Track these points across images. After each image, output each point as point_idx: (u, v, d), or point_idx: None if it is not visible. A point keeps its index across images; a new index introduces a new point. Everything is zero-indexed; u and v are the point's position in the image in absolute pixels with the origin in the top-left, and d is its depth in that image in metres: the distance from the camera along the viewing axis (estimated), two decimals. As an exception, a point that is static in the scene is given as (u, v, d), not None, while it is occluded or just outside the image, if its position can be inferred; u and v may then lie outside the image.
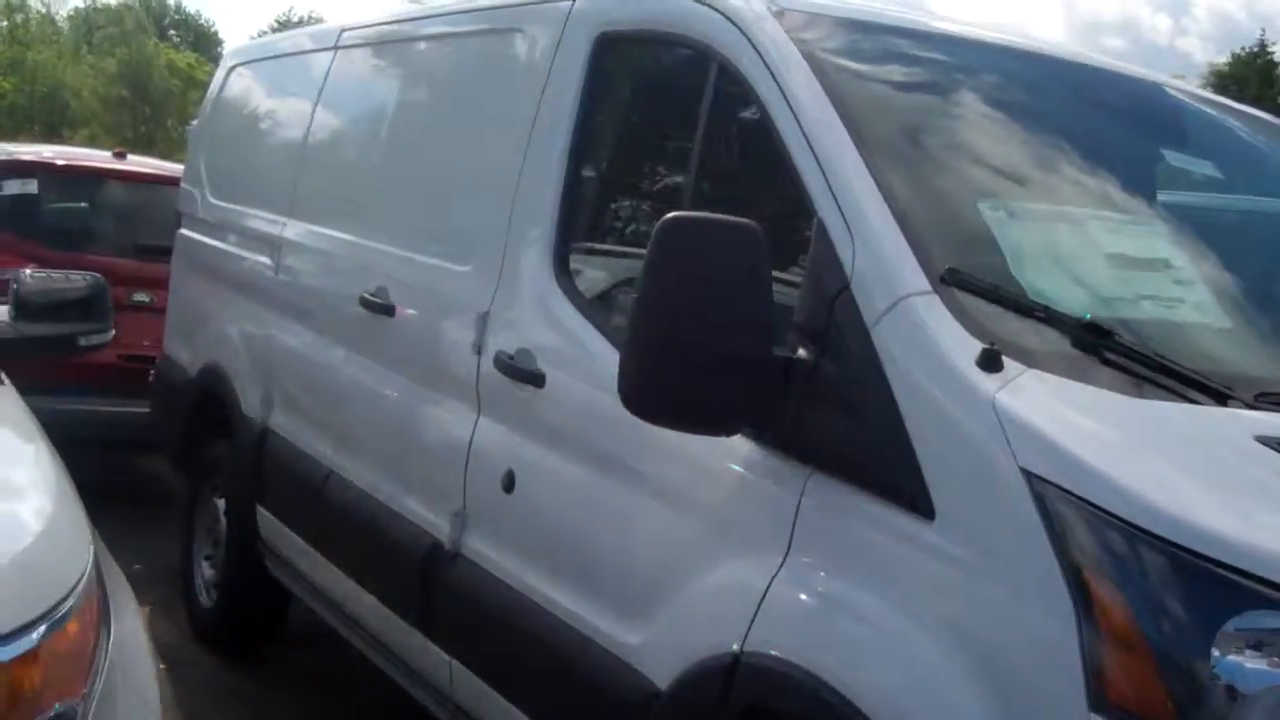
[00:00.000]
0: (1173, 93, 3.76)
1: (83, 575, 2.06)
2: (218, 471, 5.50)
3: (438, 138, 4.30)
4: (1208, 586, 2.14)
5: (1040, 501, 2.28)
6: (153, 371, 6.36)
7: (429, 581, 3.80)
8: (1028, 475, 2.30)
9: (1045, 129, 3.24)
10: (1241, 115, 3.96)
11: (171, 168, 8.33)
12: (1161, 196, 3.32)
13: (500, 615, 3.50)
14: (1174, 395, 2.53)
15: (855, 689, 2.44)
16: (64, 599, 1.95)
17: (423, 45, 4.78)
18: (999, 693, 2.28)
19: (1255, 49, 54.00)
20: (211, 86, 6.57)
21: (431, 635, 3.82)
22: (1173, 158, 3.41)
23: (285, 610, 5.37)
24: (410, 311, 4.17)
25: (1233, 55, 55.50)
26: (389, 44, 5.01)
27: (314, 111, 5.18)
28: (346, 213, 4.80)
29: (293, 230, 5.11)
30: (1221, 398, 2.56)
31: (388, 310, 4.24)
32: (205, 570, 5.52)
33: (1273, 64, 54.20)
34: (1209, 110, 3.88)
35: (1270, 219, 3.59)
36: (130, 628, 2.26)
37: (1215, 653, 2.11)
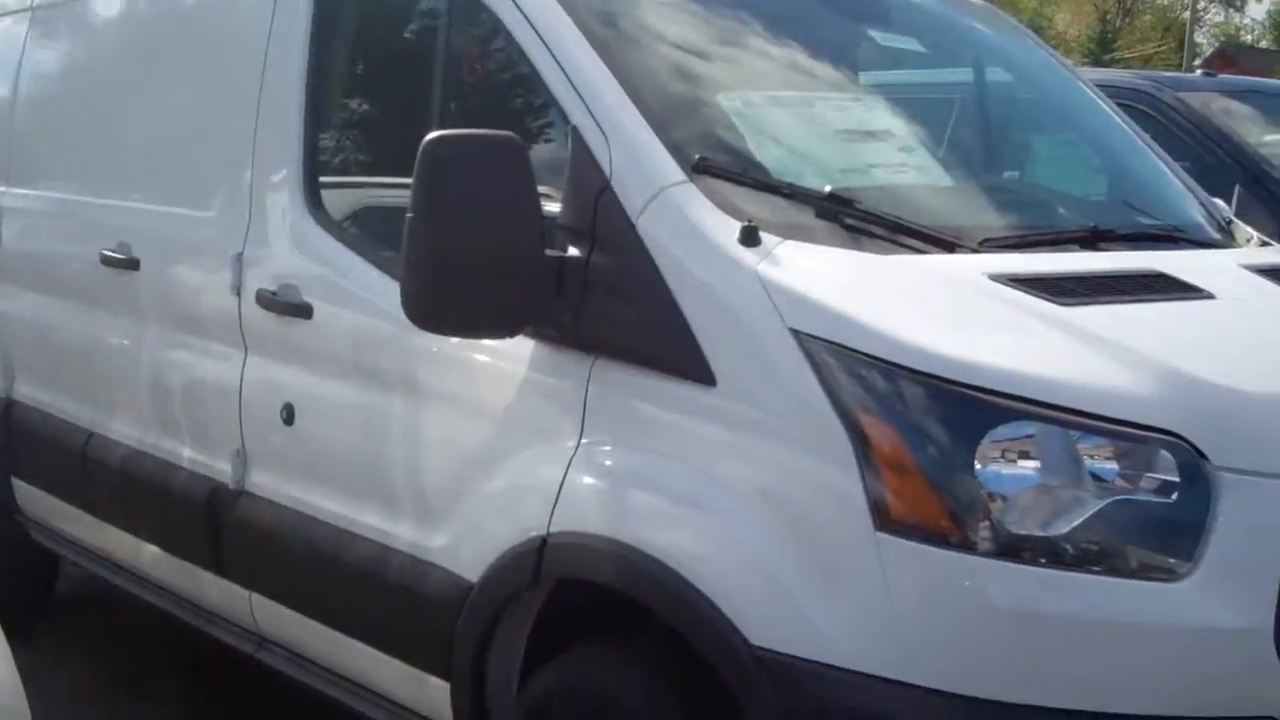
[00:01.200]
0: None
1: None
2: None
3: (163, 86, 4.26)
4: (962, 407, 2.44)
5: (809, 355, 2.53)
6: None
7: (216, 522, 3.86)
8: (796, 334, 2.55)
9: (768, 23, 3.43)
10: None
11: None
12: (878, 75, 3.61)
13: (295, 541, 3.59)
14: (912, 250, 2.83)
15: (662, 549, 2.66)
16: None
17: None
18: (793, 533, 2.53)
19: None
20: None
21: (226, 573, 3.89)
22: (882, 38, 3.69)
23: (54, 578, 5.29)
24: (157, 263, 4.15)
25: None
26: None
27: (18, 73, 5.01)
28: (71, 172, 4.70)
29: (11, 198, 4.96)
30: (951, 246, 2.87)
31: (132, 265, 4.21)
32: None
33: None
34: None
35: (971, 87, 3.95)
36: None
37: (978, 465, 2.41)
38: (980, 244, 2.94)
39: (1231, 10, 63.15)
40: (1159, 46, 52.76)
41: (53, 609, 5.41)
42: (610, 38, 3.04)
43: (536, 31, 3.04)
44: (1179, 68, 38.69)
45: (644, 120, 2.87)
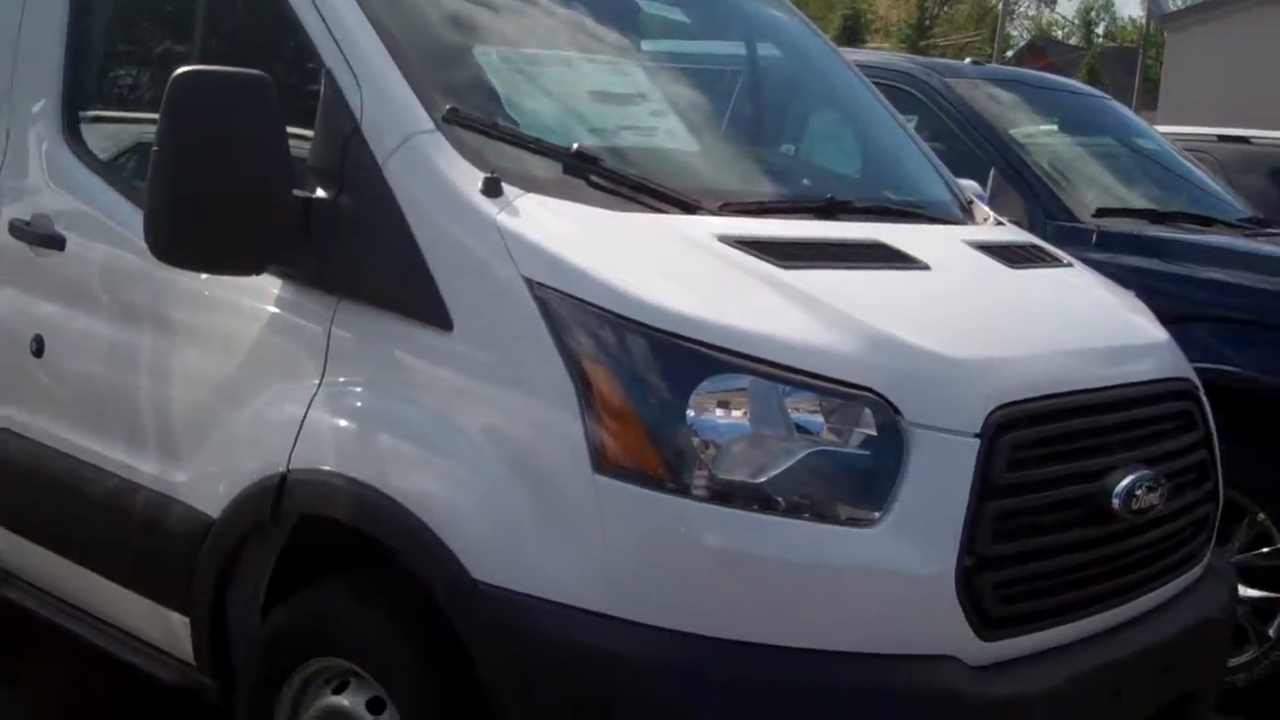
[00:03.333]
0: None
1: None
2: None
3: None
4: (679, 359, 2.57)
5: (541, 304, 2.63)
6: None
7: (-38, 456, 3.80)
8: (529, 282, 2.65)
9: None
10: None
11: None
12: (643, 43, 3.72)
13: (42, 475, 3.57)
14: (652, 209, 2.95)
15: (395, 488, 2.74)
16: None
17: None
18: (519, 474, 2.63)
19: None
20: None
21: (-32, 508, 3.83)
22: (647, 6, 3.81)
23: None
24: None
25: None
26: None
27: None
28: None
29: None
30: (691, 208, 3.00)
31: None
32: None
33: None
34: None
35: (730, 59, 4.09)
36: None
37: (691, 413, 2.54)
38: (720, 208, 3.08)
39: (1043, 5, 65.37)
40: (974, 36, 54.39)
41: None
42: None
43: None
44: (990, 58, 39.93)
45: (397, 67, 2.93)
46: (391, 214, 2.82)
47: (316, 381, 2.94)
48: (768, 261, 2.79)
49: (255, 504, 3.00)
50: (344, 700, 2.93)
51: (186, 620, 3.22)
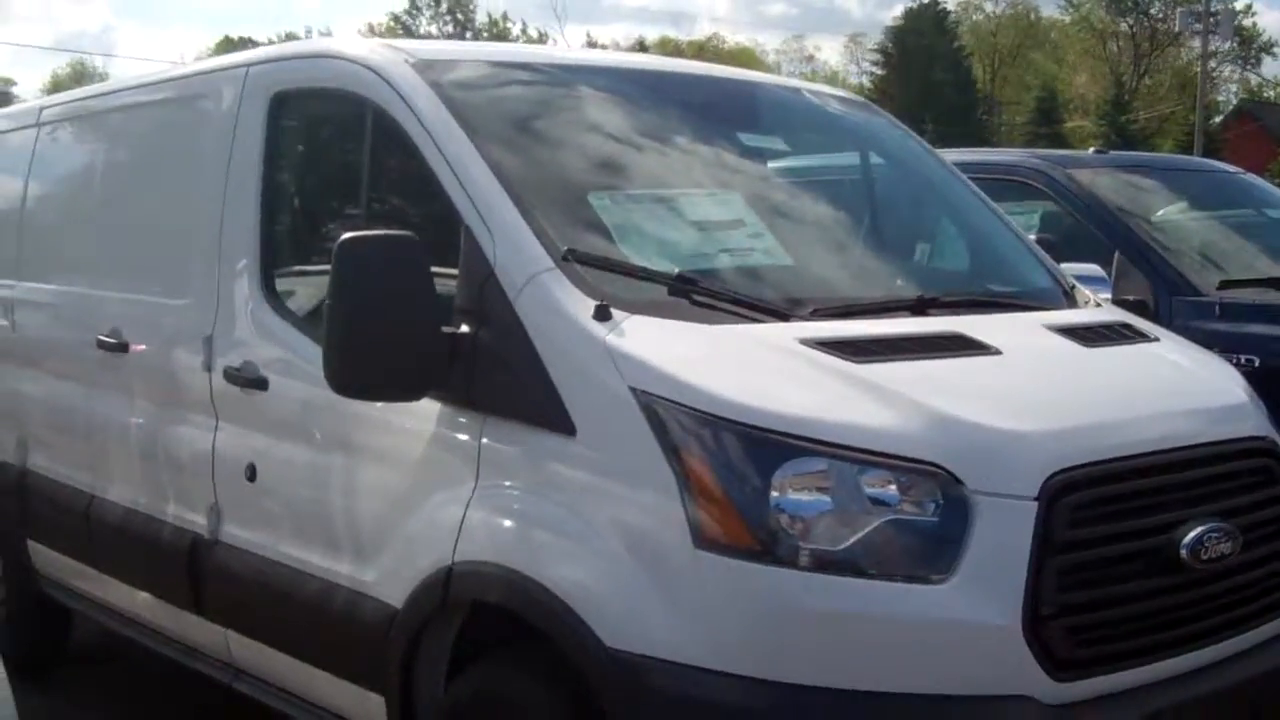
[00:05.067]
0: (749, 82, 4.68)
1: None
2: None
3: (147, 193, 4.94)
4: (760, 448, 3.01)
5: (645, 408, 3.11)
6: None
7: (196, 569, 4.44)
8: (634, 390, 3.13)
9: (641, 130, 4.07)
10: (814, 94, 4.92)
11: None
12: (743, 171, 4.22)
13: (261, 582, 4.17)
14: (747, 319, 3.41)
15: (538, 573, 3.23)
16: None
17: (120, 114, 5.39)
18: (635, 553, 3.09)
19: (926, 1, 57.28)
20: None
21: (205, 614, 4.47)
22: (747, 138, 4.30)
23: (68, 630, 5.91)
24: (142, 345, 4.79)
25: (905, 10, 58.80)
26: (89, 116, 5.61)
27: (26, 183, 5.72)
28: (71, 268, 5.38)
29: (22, 290, 5.64)
30: (784, 316, 3.45)
31: (122, 348, 4.85)
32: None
33: (945, 13, 57.59)
34: (784, 94, 4.81)
35: (828, 170, 4.55)
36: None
37: (775, 493, 2.98)
38: (811, 313, 3.52)
39: (1247, 68, 63.61)
40: (1176, 106, 53.31)
41: (72, 659, 6.03)
42: (500, 154, 3.64)
43: (441, 153, 3.64)
44: (1192, 128, 39.22)
45: (522, 218, 3.47)
46: (522, 341, 3.34)
47: (472, 486, 3.46)
48: (843, 358, 3.22)
49: (428, 594, 3.52)
50: (512, 758, 3.41)
51: (382, 699, 3.74)
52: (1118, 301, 5.26)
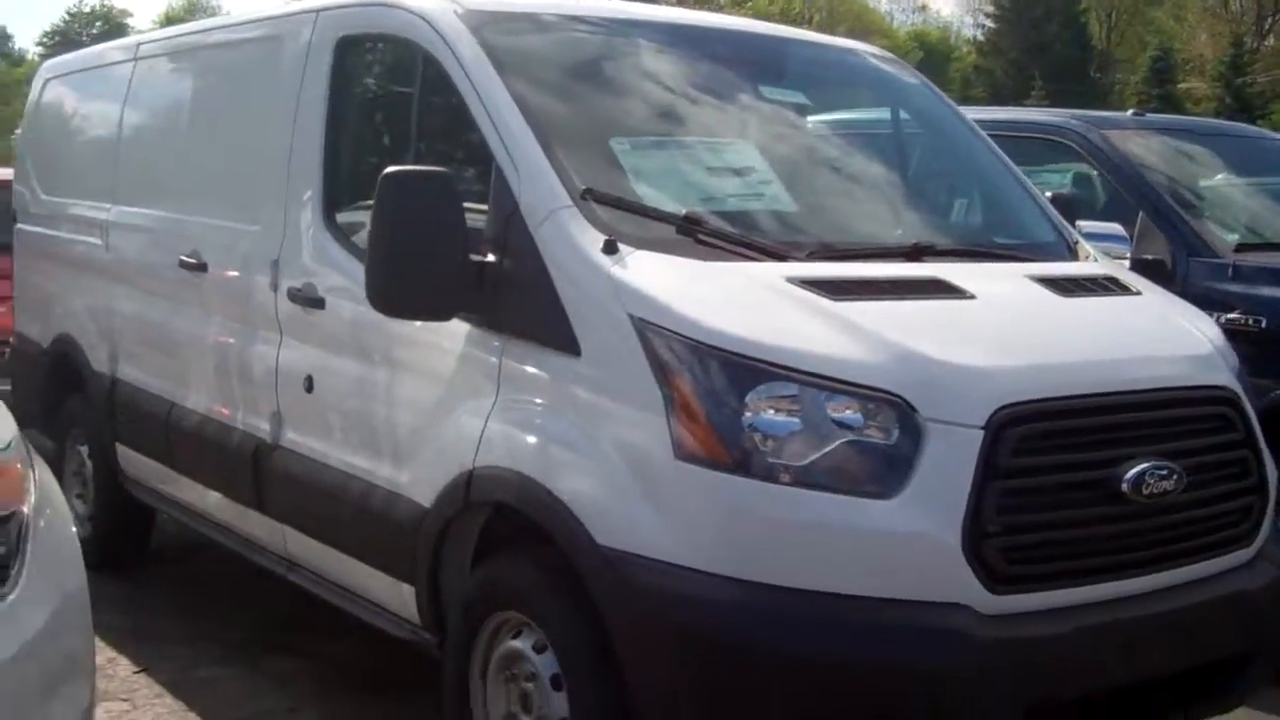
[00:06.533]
0: (779, 38, 5.02)
1: (14, 435, 3.20)
2: (77, 424, 6.54)
3: (227, 126, 5.40)
4: (738, 372, 3.37)
5: (640, 334, 3.48)
6: (8, 349, 7.33)
7: (259, 470, 4.92)
8: (631, 317, 3.50)
9: (666, 81, 4.42)
10: (842, 50, 5.24)
11: (4, 172, 9.11)
12: (762, 123, 4.56)
13: (313, 483, 4.63)
14: (746, 259, 3.77)
15: (545, 477, 3.63)
16: (6, 446, 3.10)
17: (207, 52, 5.88)
18: (628, 463, 3.47)
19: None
20: (30, 99, 7.51)
21: (267, 511, 4.95)
22: (770, 92, 4.63)
23: (150, 530, 6.47)
24: (219, 267, 5.26)
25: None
26: (180, 52, 6.08)
27: (123, 113, 6.22)
28: (159, 194, 5.87)
29: (116, 213, 6.16)
30: (781, 257, 3.80)
31: (202, 268, 5.33)
32: (78, 507, 6.52)
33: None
34: (810, 50, 5.14)
35: (840, 126, 4.87)
36: (45, 479, 3.35)
37: (748, 413, 3.34)
38: (807, 256, 3.87)
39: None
40: (1296, 69, 51.99)
41: (154, 558, 6.62)
42: (532, 99, 4.01)
43: (479, 97, 4.02)
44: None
45: (546, 159, 3.85)
46: (539, 270, 3.73)
47: (493, 400, 3.86)
48: (823, 295, 3.56)
49: (453, 494, 3.95)
50: (519, 644, 3.82)
51: (412, 589, 4.18)
52: (1137, 260, 5.53)
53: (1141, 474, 3.50)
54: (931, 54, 63.06)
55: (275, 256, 4.82)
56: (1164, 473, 3.54)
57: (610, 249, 3.65)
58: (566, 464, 3.63)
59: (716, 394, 3.38)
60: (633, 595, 3.42)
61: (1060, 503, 3.47)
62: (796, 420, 3.35)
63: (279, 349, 4.83)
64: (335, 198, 4.68)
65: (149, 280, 5.86)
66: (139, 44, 6.36)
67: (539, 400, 3.76)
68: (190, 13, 68.67)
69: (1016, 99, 43.43)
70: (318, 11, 4.87)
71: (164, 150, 5.95)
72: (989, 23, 59.94)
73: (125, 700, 4.99)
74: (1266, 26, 56.28)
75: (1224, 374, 3.96)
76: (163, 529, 6.66)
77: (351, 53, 4.74)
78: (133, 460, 6.02)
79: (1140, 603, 3.58)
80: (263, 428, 4.92)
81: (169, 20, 64.44)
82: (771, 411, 3.36)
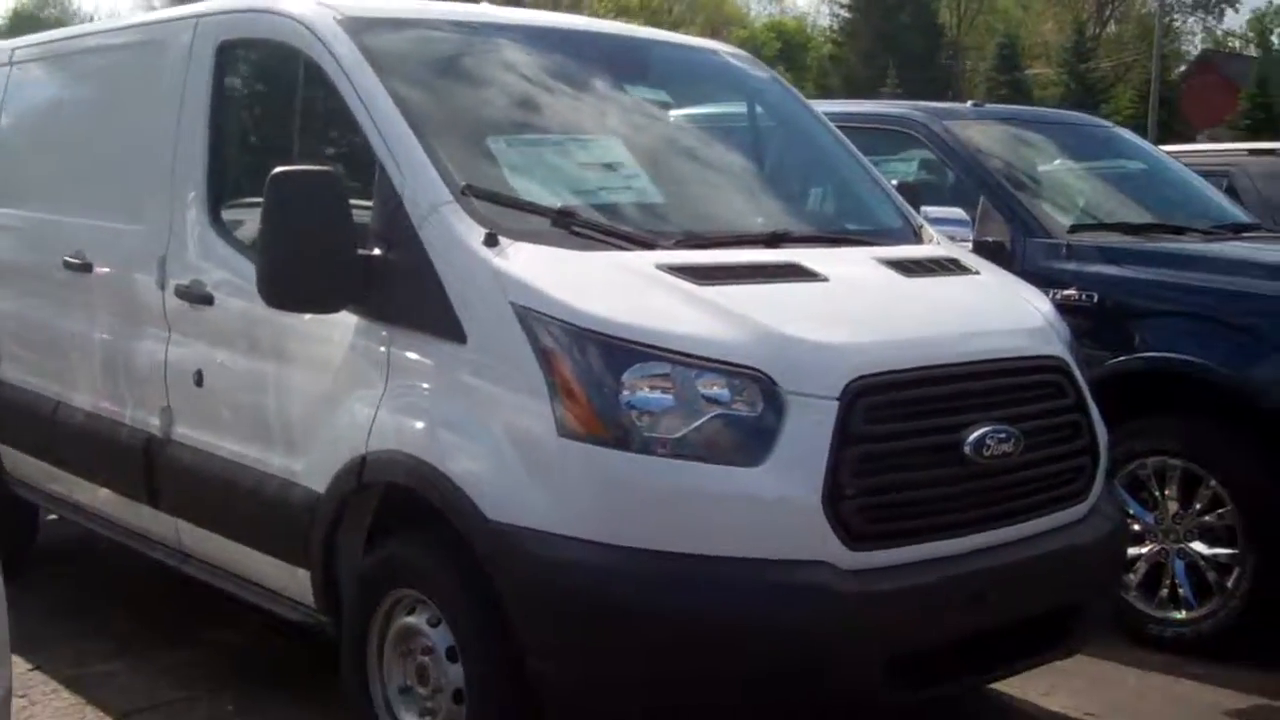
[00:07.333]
0: (642, 39, 5.31)
1: None
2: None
3: (109, 129, 5.52)
4: (614, 354, 3.63)
5: (522, 320, 3.73)
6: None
7: (151, 465, 5.06)
8: (513, 305, 3.75)
9: (539, 81, 4.67)
10: (699, 50, 5.55)
11: None
12: (627, 119, 4.83)
13: (207, 476, 4.79)
14: (617, 248, 4.03)
15: (435, 459, 3.86)
16: None
17: (86, 56, 5.98)
18: (514, 442, 3.71)
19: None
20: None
21: (159, 505, 5.09)
22: (635, 91, 4.91)
23: (35, 530, 6.55)
24: (104, 266, 5.39)
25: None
26: (59, 57, 6.18)
27: (0, 118, 6.28)
28: (42, 196, 5.97)
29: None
30: (649, 245, 4.08)
31: (87, 268, 5.45)
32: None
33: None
34: (670, 50, 5.44)
35: (706, 119, 5.18)
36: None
37: (625, 392, 3.61)
38: (674, 244, 4.15)
39: (1209, 18, 64.12)
40: (1138, 55, 53.87)
41: (40, 560, 6.65)
42: (411, 100, 4.24)
43: (361, 99, 4.23)
44: (1150, 75, 39.84)
45: (427, 158, 4.08)
46: (424, 262, 3.96)
47: (382, 388, 4.08)
48: (689, 281, 3.84)
49: (346, 478, 4.15)
50: (414, 619, 4.05)
51: (308, 573, 4.37)
52: (979, 242, 5.91)
53: (982, 437, 3.84)
54: (789, 44, 64.11)
55: (161, 254, 4.97)
56: (1003, 435, 3.88)
57: (491, 241, 3.89)
58: (455, 445, 3.86)
59: (595, 374, 3.64)
60: (521, 564, 3.67)
61: (910, 465, 3.80)
62: (670, 397, 3.62)
63: (168, 345, 4.98)
64: (220, 196, 4.85)
65: (32, 281, 5.96)
66: (14, 49, 6.44)
67: (427, 386, 3.99)
68: (41, 9, 67.08)
69: (870, 87, 44.45)
70: (198, 17, 5.03)
71: (44, 154, 6.05)
72: (843, 13, 61.02)
73: (22, 696, 5.07)
74: (1107, 14, 58.15)
75: (1056, 345, 4.33)
76: (49, 529, 6.73)
77: (232, 57, 4.91)
78: (17, 459, 6.11)
79: (986, 556, 3.92)
80: (153, 423, 5.07)
81: (18, 17, 62.89)
82: (647, 389, 3.63)
